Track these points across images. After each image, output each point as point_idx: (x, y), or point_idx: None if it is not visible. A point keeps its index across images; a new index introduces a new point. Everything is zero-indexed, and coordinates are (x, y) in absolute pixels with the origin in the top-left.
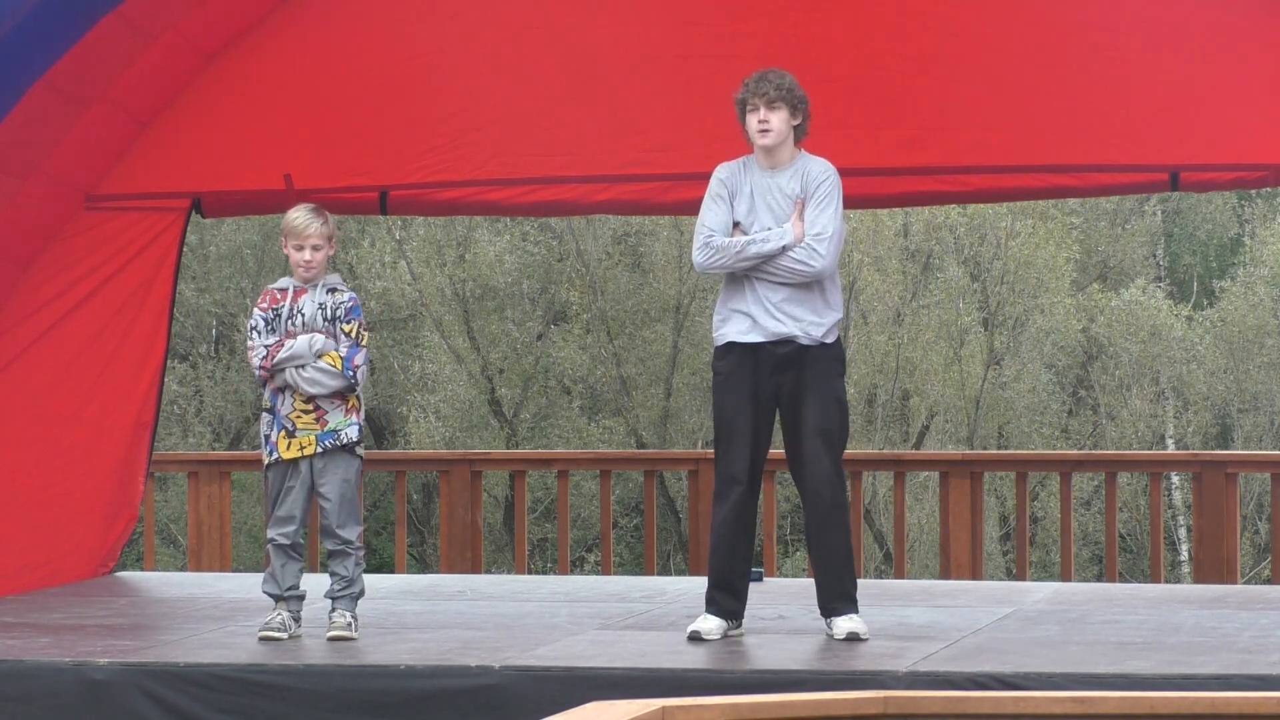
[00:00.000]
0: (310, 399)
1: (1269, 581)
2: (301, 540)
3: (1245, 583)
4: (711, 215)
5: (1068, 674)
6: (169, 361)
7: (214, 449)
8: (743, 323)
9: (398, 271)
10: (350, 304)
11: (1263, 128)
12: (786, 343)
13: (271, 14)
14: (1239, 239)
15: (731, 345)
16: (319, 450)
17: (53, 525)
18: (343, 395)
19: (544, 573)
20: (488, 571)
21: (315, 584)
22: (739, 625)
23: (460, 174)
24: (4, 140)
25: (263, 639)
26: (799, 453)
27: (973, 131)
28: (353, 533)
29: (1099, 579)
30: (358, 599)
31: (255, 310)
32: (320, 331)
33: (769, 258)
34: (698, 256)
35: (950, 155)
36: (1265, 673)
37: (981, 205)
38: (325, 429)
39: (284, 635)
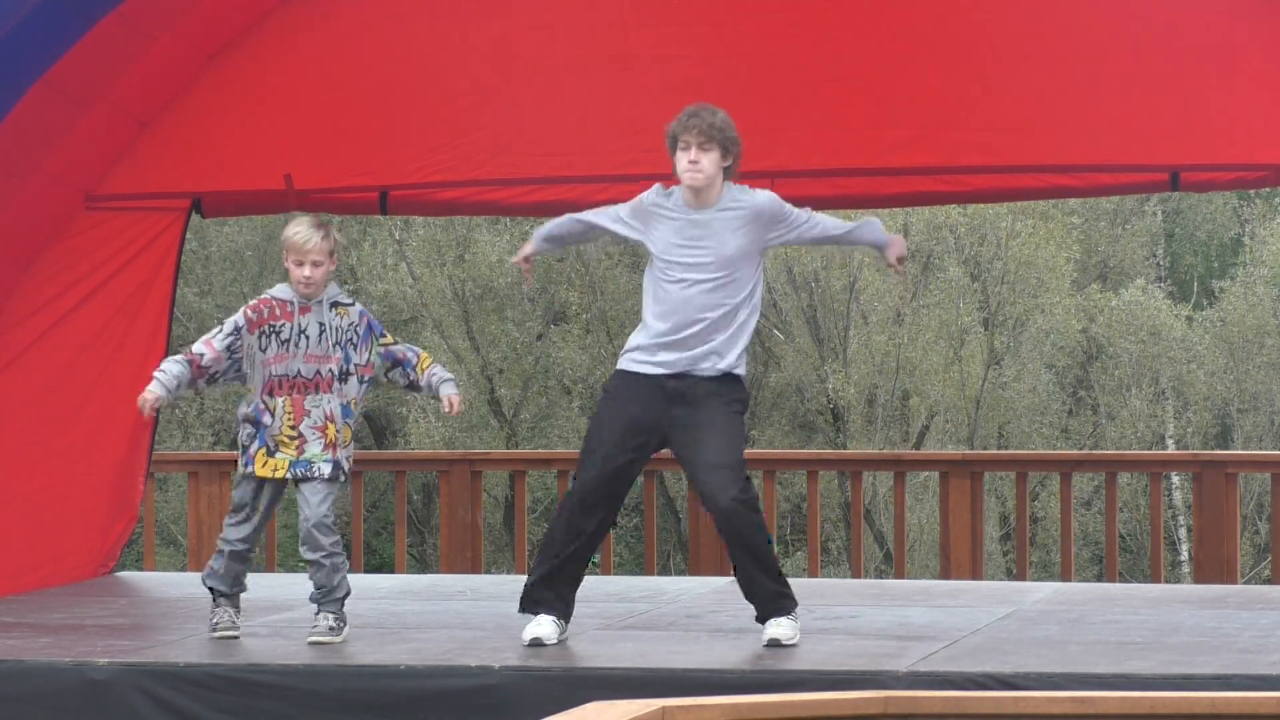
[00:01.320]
0: (296, 425)
1: (1269, 581)
2: (254, 549)
3: (1245, 583)
4: (613, 207)
5: (1068, 674)
6: None
7: (214, 451)
8: None
9: (399, 274)
10: (364, 323)
11: (1263, 128)
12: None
13: (272, 14)
14: (1239, 239)
15: None
16: (289, 476)
17: (53, 525)
18: (322, 426)
19: None
20: (488, 571)
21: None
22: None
23: (460, 174)
24: (4, 140)
25: (220, 638)
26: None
27: (973, 131)
28: (326, 544)
29: (1099, 579)
30: (342, 601)
31: (246, 311)
32: (325, 357)
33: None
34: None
35: (950, 155)
36: (1265, 673)
37: (981, 205)
38: (301, 457)
39: (236, 632)
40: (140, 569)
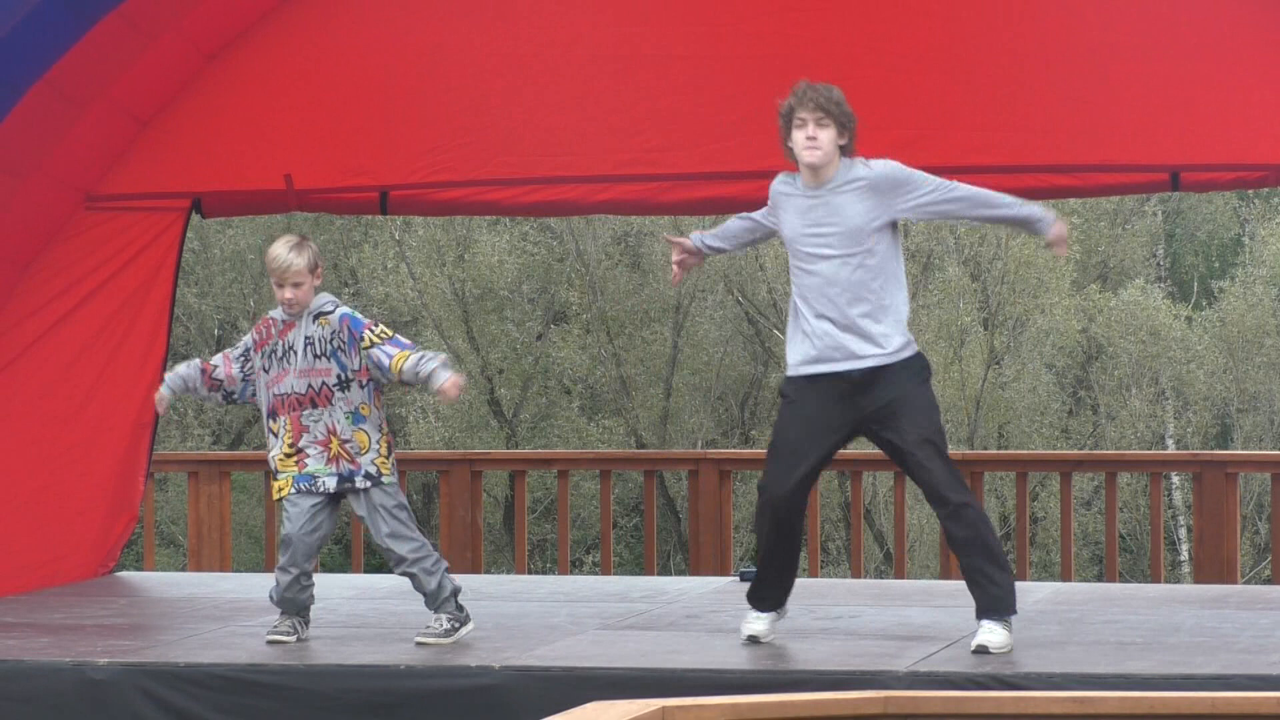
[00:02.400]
0: (296, 443)
1: (1269, 581)
2: (309, 569)
3: (1245, 583)
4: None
5: (1068, 674)
6: (170, 363)
7: (213, 451)
8: None
9: (399, 276)
10: (343, 328)
11: (1263, 128)
12: None
13: (271, 14)
14: (1239, 239)
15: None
16: (293, 491)
17: (53, 525)
18: (333, 440)
19: (544, 573)
20: (488, 571)
21: (322, 583)
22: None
23: (460, 174)
24: (4, 140)
25: (270, 642)
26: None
27: (973, 131)
28: (403, 553)
29: (1099, 579)
30: (450, 601)
31: (253, 332)
32: (314, 370)
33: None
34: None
35: (950, 155)
36: (1265, 673)
37: None
38: (303, 472)
39: (292, 638)
40: (140, 569)
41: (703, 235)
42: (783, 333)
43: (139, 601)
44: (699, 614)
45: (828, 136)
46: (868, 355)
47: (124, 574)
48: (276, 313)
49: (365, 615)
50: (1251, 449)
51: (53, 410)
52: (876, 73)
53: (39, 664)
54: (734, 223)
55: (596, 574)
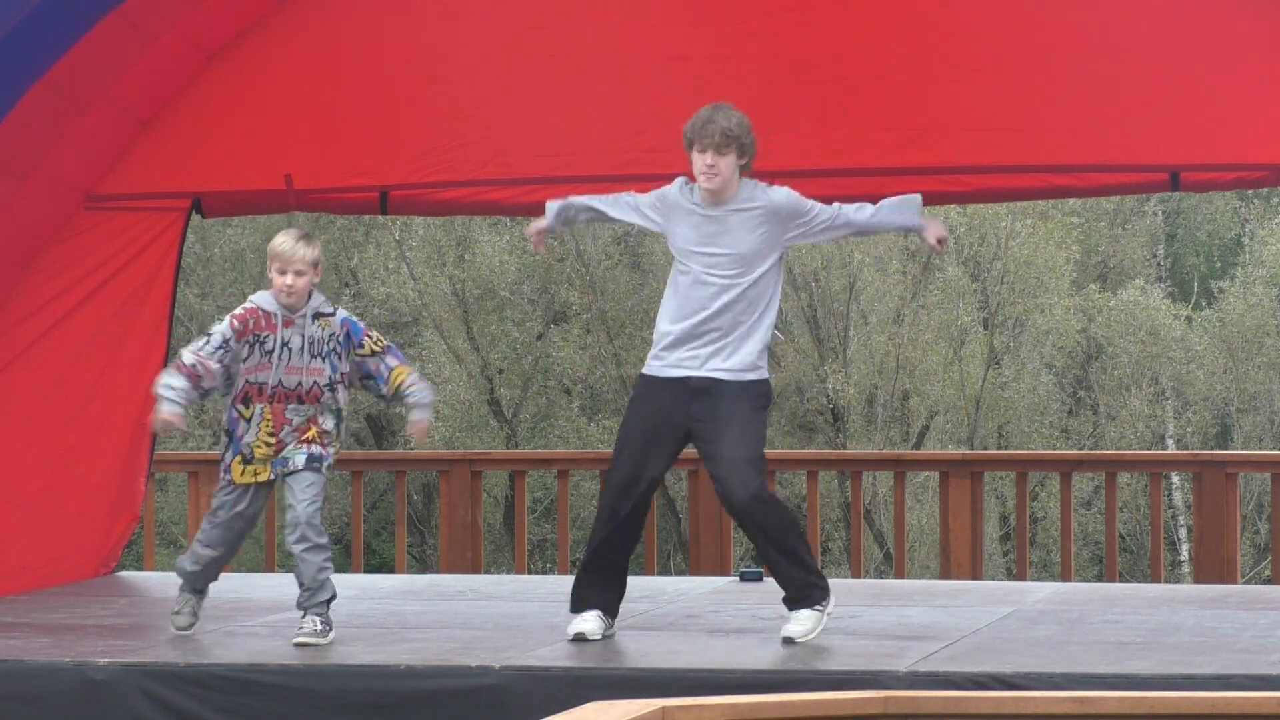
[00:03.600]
0: (276, 433)
1: (1269, 581)
2: (231, 553)
3: (1245, 583)
4: (636, 195)
5: (1068, 674)
6: (170, 363)
7: (214, 451)
8: None
9: (400, 277)
10: (345, 331)
11: (1263, 128)
12: None
13: (271, 14)
14: (1239, 239)
15: None
16: (272, 477)
17: (53, 525)
18: (303, 428)
19: (544, 573)
20: (488, 571)
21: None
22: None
23: (460, 174)
24: (4, 140)
25: (176, 632)
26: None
27: (973, 131)
28: (316, 540)
29: (1099, 579)
30: (327, 604)
31: (232, 321)
32: (306, 369)
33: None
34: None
35: (950, 155)
36: (1265, 673)
37: (981, 205)
38: (279, 456)
39: (190, 627)
40: (140, 569)
41: (552, 207)
42: (783, 333)
43: (139, 601)
44: (699, 614)
45: (727, 163)
46: (716, 368)
47: (124, 574)
48: (264, 302)
49: (365, 615)
50: (1251, 449)
51: (53, 410)
52: (876, 73)
53: (39, 664)
54: (580, 207)
55: None
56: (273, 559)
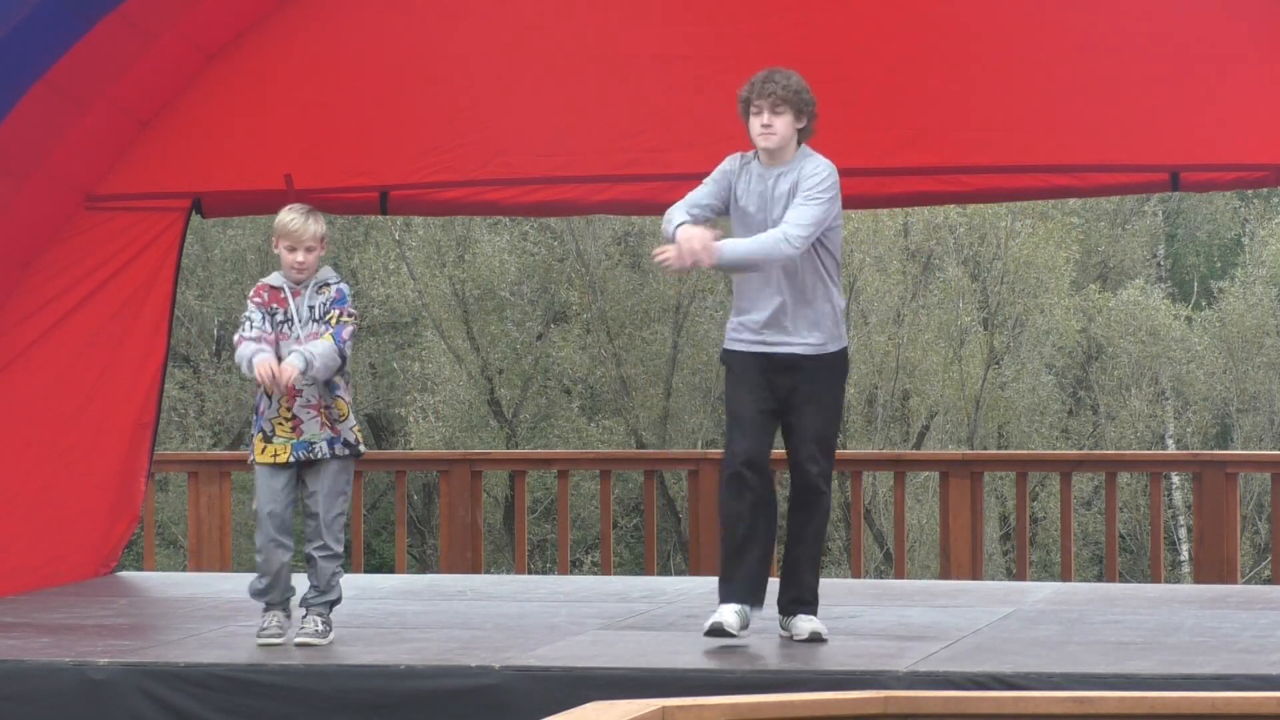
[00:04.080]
0: (291, 407)
1: (1269, 581)
2: (289, 543)
3: (1245, 583)
4: (695, 191)
5: (1068, 674)
6: (170, 365)
7: (214, 451)
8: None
9: (400, 277)
10: (335, 296)
11: (1263, 128)
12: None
13: (271, 14)
14: (1239, 239)
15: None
16: (291, 460)
17: (53, 525)
18: (322, 405)
19: (544, 573)
20: (488, 571)
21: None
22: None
23: (460, 174)
24: (4, 140)
25: (263, 645)
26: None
27: (973, 131)
28: (333, 544)
29: (1099, 579)
30: (332, 606)
31: (252, 300)
32: (309, 337)
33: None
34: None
35: (950, 155)
36: (1265, 673)
37: (981, 205)
38: (300, 439)
39: (281, 639)
40: (140, 569)
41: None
42: None
43: (139, 601)
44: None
45: (783, 122)
46: (796, 342)
47: (124, 574)
48: (272, 280)
49: (365, 615)
50: (1251, 449)
51: (53, 410)
52: (876, 73)
53: (39, 664)
54: (681, 218)
55: (596, 574)
56: None
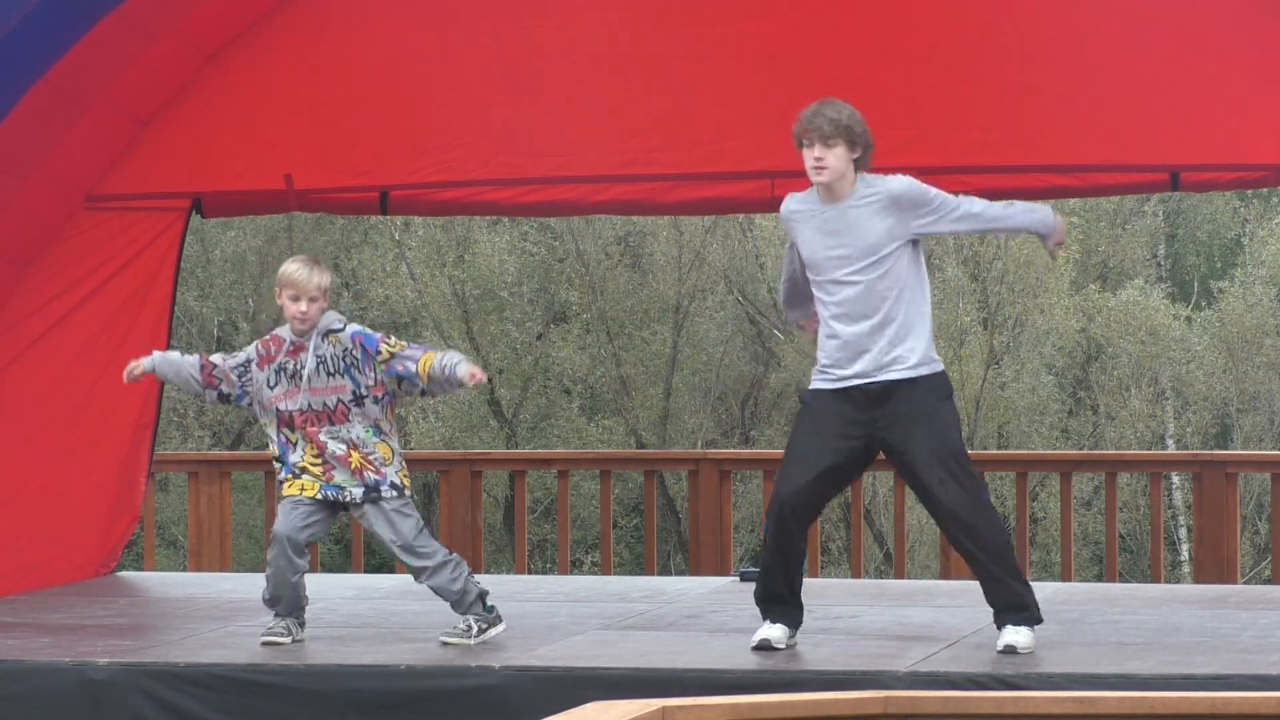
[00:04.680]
0: (321, 455)
1: (1269, 581)
2: (301, 565)
3: (1245, 583)
4: (787, 267)
5: (1068, 674)
6: None
7: (213, 451)
8: None
9: (399, 278)
10: (358, 345)
11: (1263, 128)
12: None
13: (271, 14)
14: (1239, 239)
15: None
16: (319, 496)
17: (53, 525)
18: (345, 457)
19: (544, 573)
20: (488, 571)
21: (322, 583)
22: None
23: (460, 174)
24: (4, 140)
25: (266, 644)
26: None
27: (973, 131)
28: (417, 564)
29: (1099, 579)
30: (478, 604)
31: (257, 346)
32: (328, 388)
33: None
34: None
35: (950, 155)
36: (1265, 673)
37: None
38: (330, 482)
39: (287, 639)
40: (140, 569)
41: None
42: (783, 333)
43: (139, 601)
44: (699, 614)
45: (836, 155)
46: (887, 369)
47: (124, 574)
48: (283, 331)
49: (365, 615)
50: (1251, 449)
51: (53, 410)
52: (877, 73)
53: (39, 664)
54: (793, 286)
55: (596, 574)
56: None
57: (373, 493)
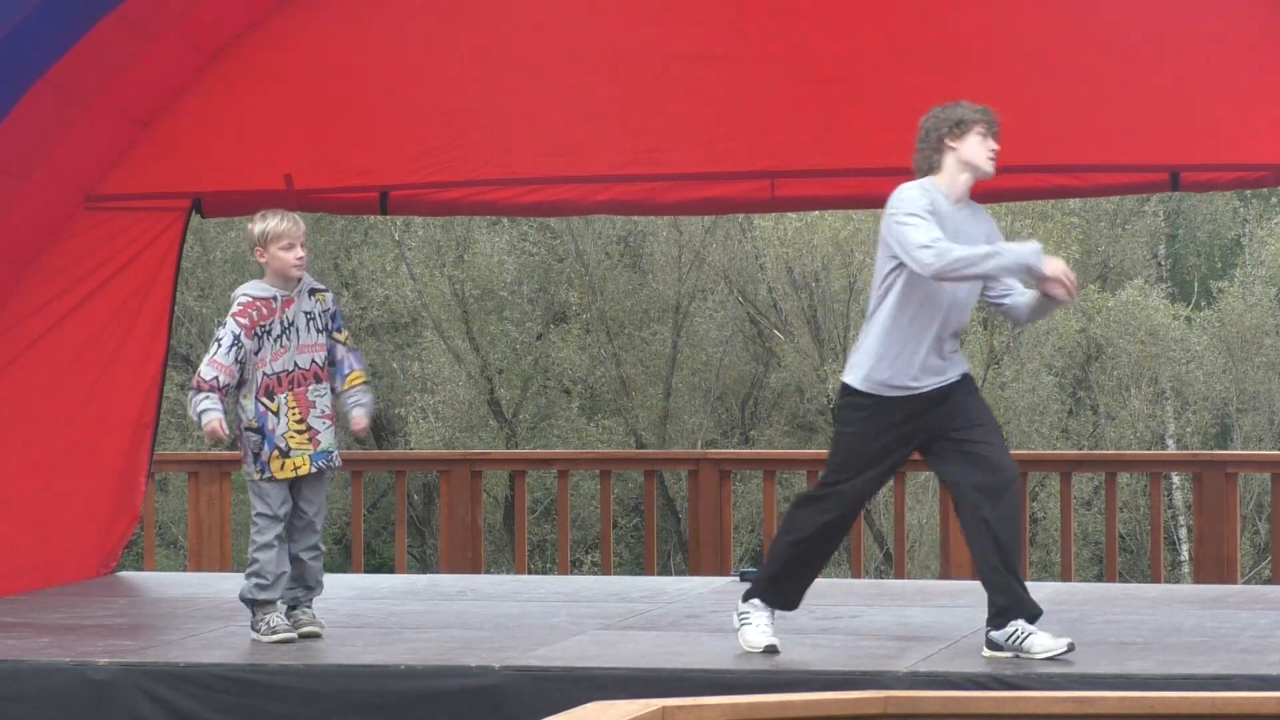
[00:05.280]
0: (304, 419)
1: (1269, 581)
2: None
3: (1245, 583)
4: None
5: (1068, 674)
6: (170, 365)
7: (213, 451)
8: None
9: (399, 278)
10: (334, 309)
11: (1263, 128)
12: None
13: (271, 14)
14: (1239, 239)
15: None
16: (313, 470)
17: (53, 525)
18: (329, 413)
19: (544, 573)
20: (488, 571)
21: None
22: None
23: (460, 174)
24: (4, 140)
25: (278, 641)
26: None
27: None
28: (319, 540)
29: (1099, 579)
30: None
31: (236, 318)
32: (315, 345)
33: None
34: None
35: None
36: (1265, 673)
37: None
38: (319, 449)
39: (294, 634)
40: (140, 569)
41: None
42: (783, 333)
43: (139, 601)
44: (699, 614)
45: None
46: (950, 374)
47: (124, 574)
48: (257, 290)
49: (365, 615)
50: (1251, 449)
51: (53, 410)
52: (876, 73)
53: (39, 664)
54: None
55: (596, 574)
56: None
57: (333, 455)
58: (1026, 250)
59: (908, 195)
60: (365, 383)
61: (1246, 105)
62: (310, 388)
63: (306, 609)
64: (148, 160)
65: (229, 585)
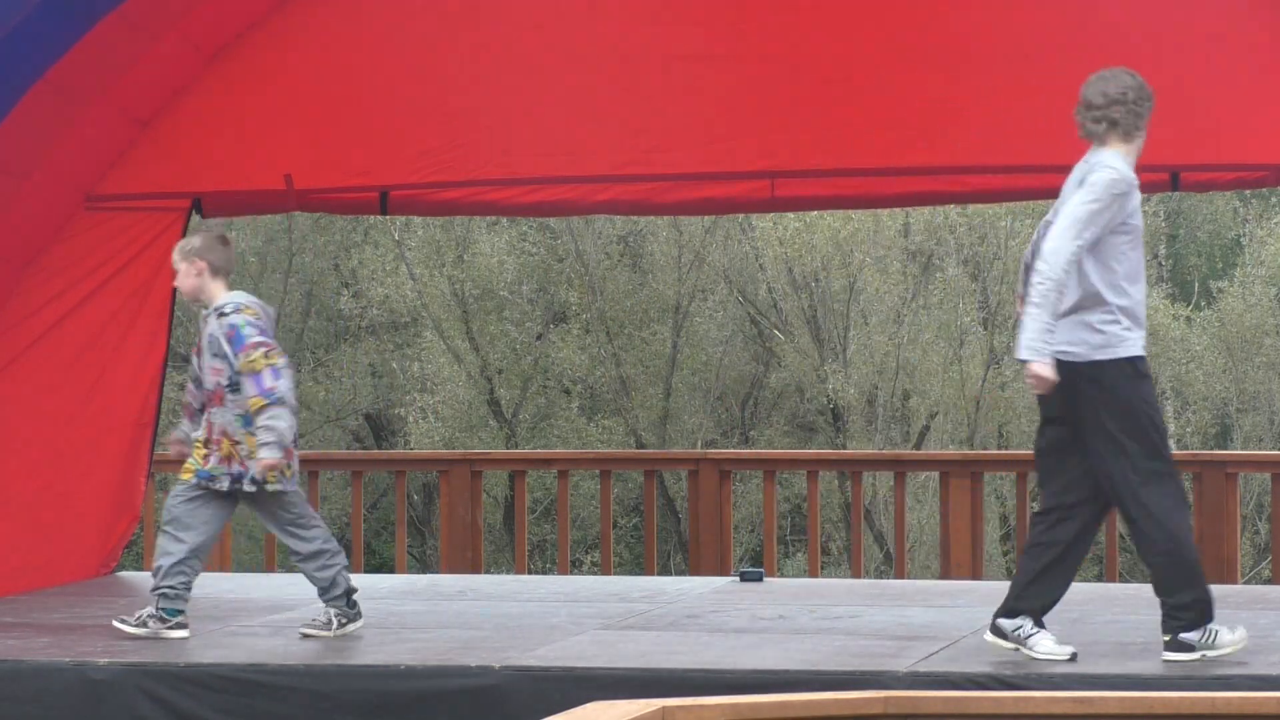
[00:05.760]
0: (207, 437)
1: (1269, 581)
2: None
3: (1245, 583)
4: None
5: (1068, 674)
6: (170, 365)
7: None
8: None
9: (399, 278)
10: (229, 336)
11: (1263, 128)
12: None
13: (271, 15)
14: (1239, 239)
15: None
16: (194, 480)
17: (53, 525)
18: (217, 440)
19: (544, 573)
20: (488, 571)
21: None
22: None
23: (460, 174)
24: (4, 140)
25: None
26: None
27: (973, 131)
28: (300, 546)
29: (1099, 579)
30: (339, 599)
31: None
32: (212, 368)
33: None
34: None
35: (950, 155)
36: (1265, 673)
37: (981, 205)
38: (205, 467)
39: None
40: (140, 569)
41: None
42: (783, 333)
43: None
44: (699, 614)
45: None
46: None
47: (124, 574)
48: (244, 298)
49: (365, 615)
50: (1251, 449)
51: (54, 410)
52: (877, 73)
53: (39, 664)
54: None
55: (596, 574)
56: (272, 558)
57: (236, 483)
58: (1021, 351)
59: (1117, 176)
60: (265, 407)
61: (1246, 105)
62: (211, 410)
63: (327, 609)
64: (148, 160)
65: (229, 585)
